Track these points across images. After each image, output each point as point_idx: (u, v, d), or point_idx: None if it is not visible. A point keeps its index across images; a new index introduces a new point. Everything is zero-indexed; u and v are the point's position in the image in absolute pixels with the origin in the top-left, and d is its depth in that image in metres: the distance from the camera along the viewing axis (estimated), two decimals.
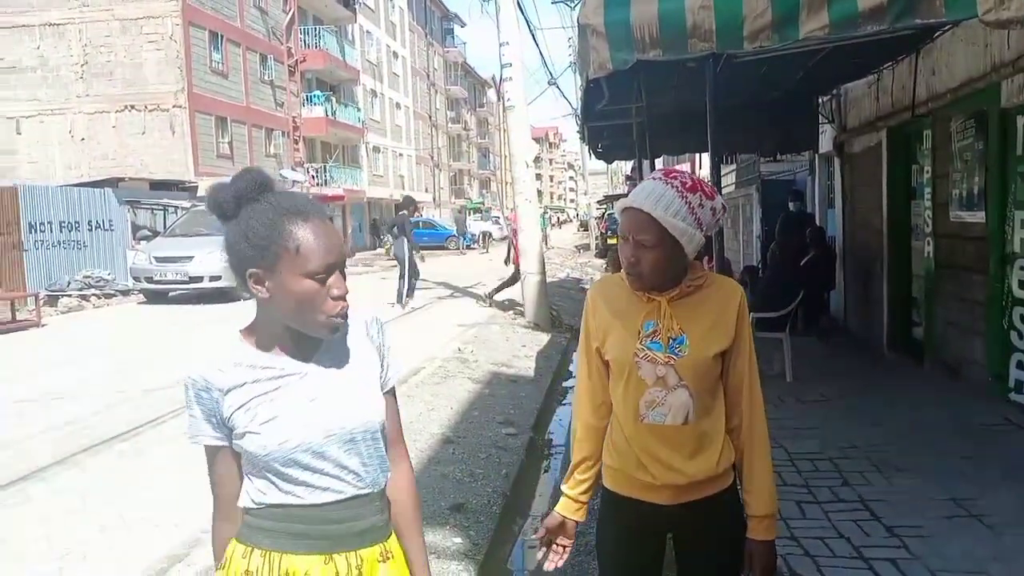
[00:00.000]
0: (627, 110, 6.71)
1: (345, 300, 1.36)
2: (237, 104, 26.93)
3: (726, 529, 1.81)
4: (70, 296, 14.68)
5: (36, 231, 15.21)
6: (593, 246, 29.89)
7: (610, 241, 26.11)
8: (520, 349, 8.93)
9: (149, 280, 14.40)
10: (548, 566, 1.90)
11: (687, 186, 1.70)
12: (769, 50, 3.44)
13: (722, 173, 16.90)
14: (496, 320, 10.89)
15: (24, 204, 15.03)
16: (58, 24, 23.83)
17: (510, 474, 4.78)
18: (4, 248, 14.61)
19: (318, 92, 32.87)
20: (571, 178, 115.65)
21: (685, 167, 18.63)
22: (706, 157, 17.37)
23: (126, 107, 23.75)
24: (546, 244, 22.30)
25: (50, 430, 5.88)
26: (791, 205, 9.69)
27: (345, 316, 1.37)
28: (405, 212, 12.92)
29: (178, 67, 23.73)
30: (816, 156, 10.25)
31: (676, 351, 1.72)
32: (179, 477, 4.30)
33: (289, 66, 30.62)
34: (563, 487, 1.93)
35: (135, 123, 23.83)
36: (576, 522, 1.91)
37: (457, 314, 11.70)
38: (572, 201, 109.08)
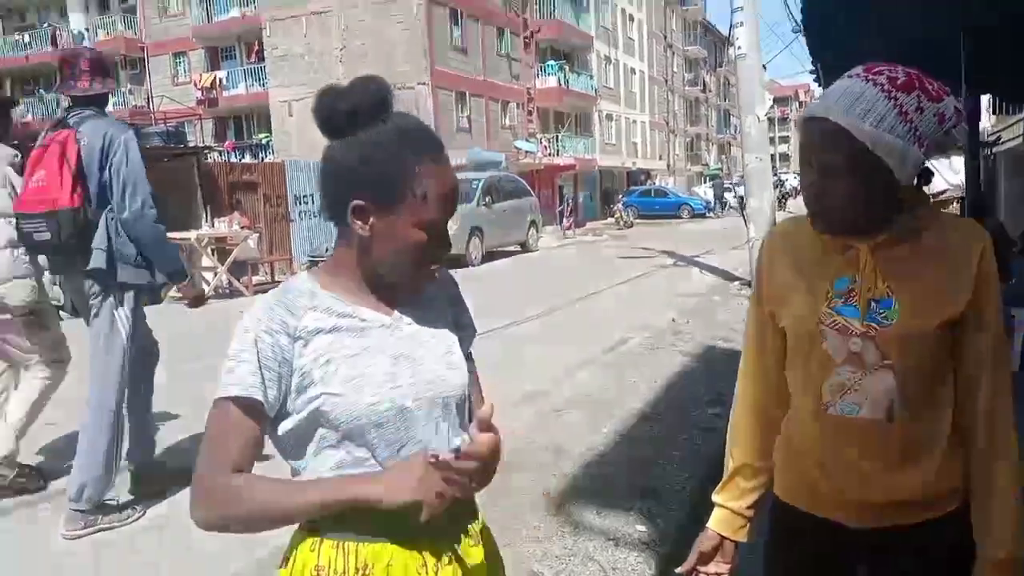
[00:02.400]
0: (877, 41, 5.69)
1: (446, 258, 1.24)
2: (475, 79, 28.00)
3: (942, 571, 1.31)
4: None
5: (300, 203, 16.91)
6: None
7: None
8: (741, 323, 8.20)
9: None
10: None
11: (899, 83, 1.20)
12: None
13: (1006, 123, 14.36)
14: (718, 291, 10.22)
15: (290, 178, 16.76)
16: (321, 13, 26.31)
17: (712, 460, 4.30)
18: (275, 219, 16.42)
19: (552, 62, 33.19)
20: None
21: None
22: (984, 106, 14.81)
23: None
24: (782, 209, 20.62)
25: None
26: None
27: (436, 274, 1.24)
28: None
29: (422, 46, 25.15)
30: None
31: (879, 318, 1.25)
32: None
33: (524, 37, 31.21)
34: (716, 497, 1.51)
35: None
36: (737, 543, 1.49)
37: (676, 284, 11.21)
38: None
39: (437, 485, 1.08)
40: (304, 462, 1.18)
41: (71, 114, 3.34)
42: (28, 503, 3.77)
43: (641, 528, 3.35)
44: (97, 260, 3.21)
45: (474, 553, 1.24)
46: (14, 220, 3.38)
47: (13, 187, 3.58)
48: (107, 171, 3.22)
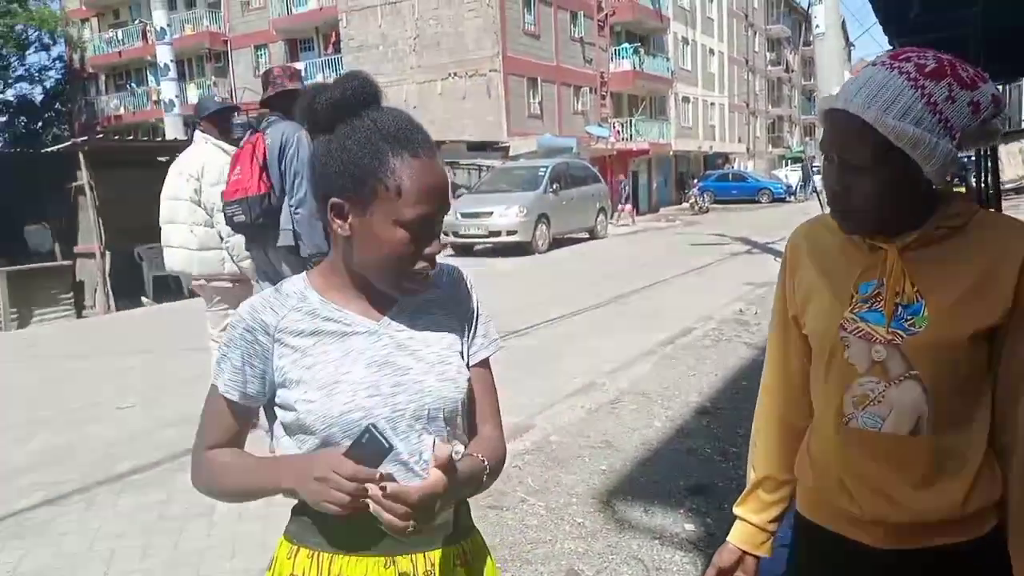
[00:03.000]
0: (961, 18, 5.31)
1: (435, 262, 1.16)
2: (548, 64, 27.83)
3: None
4: None
5: None
6: None
7: (956, 190, 22.31)
8: None
9: (455, 234, 15.43)
10: None
11: (926, 70, 1.09)
12: None
13: None
14: None
15: None
16: (396, 2, 26.62)
17: None
18: None
19: (626, 44, 32.65)
20: None
21: None
22: None
23: (450, 75, 25.85)
24: None
25: None
26: None
27: (428, 278, 1.16)
28: None
29: (494, 32, 25.13)
30: None
31: (906, 325, 1.15)
32: None
33: (599, 21, 30.79)
34: (737, 510, 1.44)
35: (457, 89, 25.86)
36: (758, 558, 1.40)
37: (747, 272, 10.86)
38: None
39: (332, 493, 0.99)
40: (287, 442, 1.18)
41: (264, 121, 4.08)
42: (83, 488, 3.96)
43: (689, 527, 3.25)
44: (286, 239, 3.87)
45: (458, 573, 1.19)
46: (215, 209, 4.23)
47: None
48: (283, 163, 3.85)
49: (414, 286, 1.15)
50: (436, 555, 1.16)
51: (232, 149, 4.33)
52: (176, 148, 12.79)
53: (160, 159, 12.85)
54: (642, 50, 33.00)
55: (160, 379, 6.24)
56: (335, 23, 28.73)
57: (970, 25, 4.95)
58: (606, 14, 30.97)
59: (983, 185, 4.86)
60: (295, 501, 1.15)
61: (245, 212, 3.87)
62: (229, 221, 4.01)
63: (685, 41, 38.45)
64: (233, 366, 1.14)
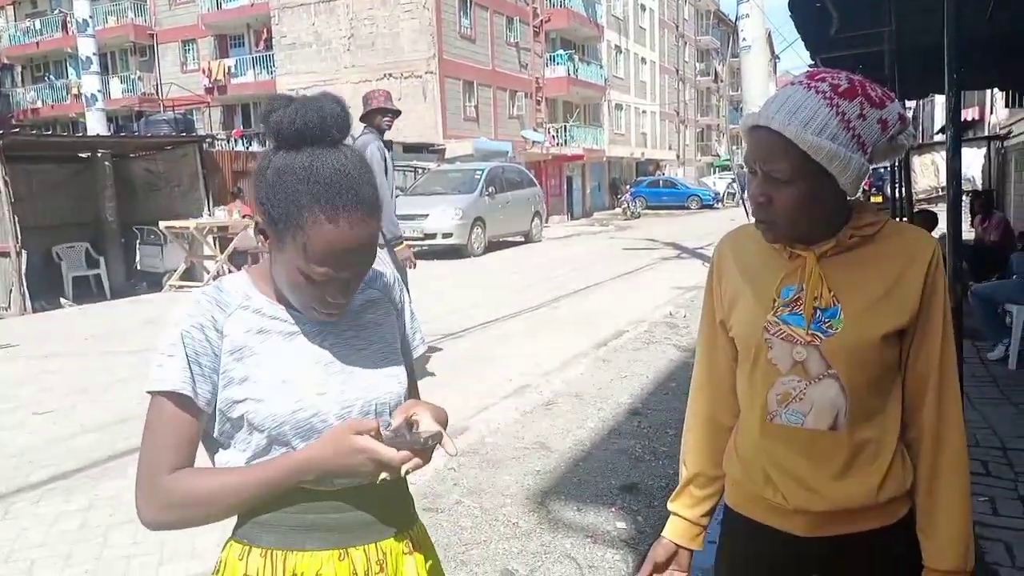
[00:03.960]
0: (877, 37, 5.61)
1: (338, 310, 1.14)
2: (483, 68, 27.87)
3: None
4: None
5: None
6: None
7: (873, 199, 23.40)
8: None
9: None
10: None
11: (840, 90, 1.17)
12: None
13: (1017, 116, 14.15)
14: None
15: None
16: (329, 1, 26.22)
17: None
18: None
19: (561, 51, 33.02)
20: None
21: (969, 113, 15.71)
22: (1000, 97, 14.57)
23: (385, 75, 25.60)
24: None
25: None
26: None
27: (333, 316, 1.16)
28: None
29: (430, 34, 25.04)
30: None
31: (824, 327, 1.23)
32: None
33: (534, 27, 31.03)
34: (671, 506, 1.49)
35: (392, 90, 25.45)
36: (691, 552, 1.47)
37: (677, 276, 11.12)
38: None
39: (383, 451, 1.05)
40: (227, 454, 1.16)
41: (359, 133, 5.32)
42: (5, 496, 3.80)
43: (621, 525, 3.32)
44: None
45: (408, 561, 1.21)
46: None
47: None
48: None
49: (320, 316, 1.15)
50: (387, 544, 1.18)
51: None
52: (100, 144, 12.44)
53: (82, 155, 12.41)
54: (576, 57, 33.42)
55: (80, 383, 6.02)
56: (267, 19, 28.12)
57: (884, 45, 5.24)
58: (541, 20, 31.23)
59: (899, 195, 5.16)
60: None
61: None
62: None
63: (618, 50, 39.13)
64: (180, 365, 1.09)
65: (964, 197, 13.68)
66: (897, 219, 6.26)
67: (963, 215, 14.99)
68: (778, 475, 1.29)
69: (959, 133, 2.51)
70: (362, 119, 5.21)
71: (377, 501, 1.17)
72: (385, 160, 5.33)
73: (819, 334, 1.23)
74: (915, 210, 8.03)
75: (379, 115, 5.41)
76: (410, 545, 1.22)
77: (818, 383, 1.24)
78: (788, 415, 1.27)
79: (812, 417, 1.25)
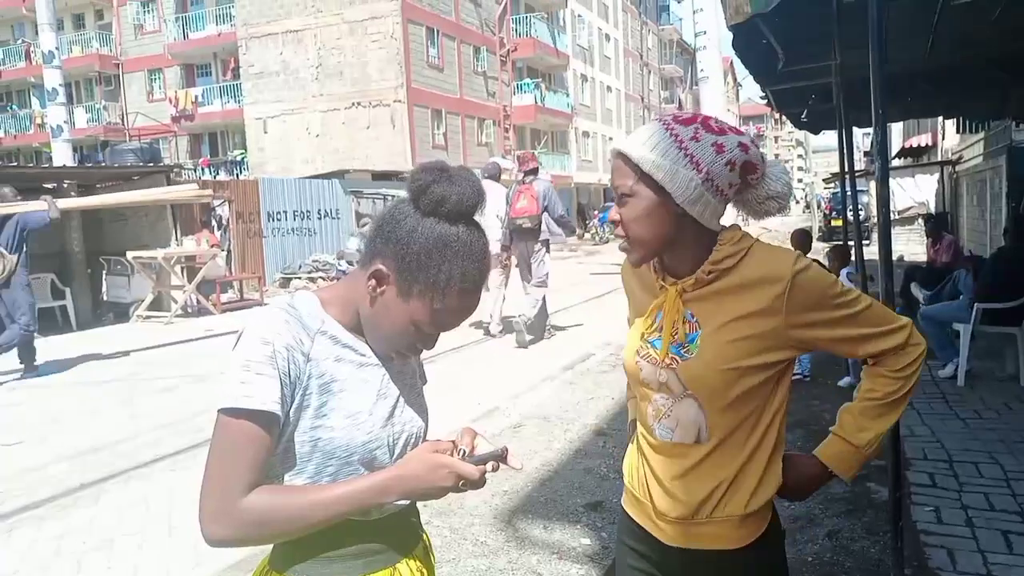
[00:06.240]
0: (826, 69, 5.89)
1: (416, 356, 1.30)
2: (451, 96, 28.17)
3: None
4: (300, 278, 16.21)
5: (273, 220, 16.90)
6: (817, 229, 27.64)
7: (834, 223, 23.88)
8: None
9: (351, 264, 15.44)
10: None
11: (680, 119, 1.32)
12: None
13: (968, 142, 14.73)
14: None
15: (263, 195, 16.76)
16: (297, 31, 26.38)
17: None
18: (247, 235, 16.39)
19: (528, 80, 33.48)
20: (800, 156, 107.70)
21: (923, 139, 16.23)
22: (950, 125, 15.16)
23: (353, 104, 25.76)
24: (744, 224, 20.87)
25: None
26: None
27: (408, 358, 1.29)
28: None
29: (398, 63, 25.28)
30: None
31: (683, 352, 1.34)
32: None
33: (501, 56, 31.48)
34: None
35: (361, 118, 25.79)
36: None
37: None
38: (800, 181, 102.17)
39: (465, 468, 1.15)
40: (294, 474, 1.17)
41: (527, 176, 8.02)
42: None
43: (586, 541, 3.42)
44: (544, 234, 8.00)
45: (430, 561, 1.35)
46: (506, 220, 8.02)
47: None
48: (547, 201, 7.91)
49: (397, 357, 1.25)
50: (419, 551, 1.31)
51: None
52: (66, 175, 12.35)
53: (47, 185, 12.32)
54: (543, 86, 33.93)
55: (50, 413, 5.99)
56: (234, 49, 28.17)
57: (830, 78, 5.51)
58: (508, 50, 31.72)
59: (854, 218, 5.44)
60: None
61: (531, 221, 7.84)
62: (514, 226, 7.91)
63: (584, 78, 39.78)
64: (272, 384, 1.09)
65: (918, 221, 14.11)
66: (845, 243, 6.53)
67: (920, 237, 15.22)
68: (652, 484, 1.42)
69: (886, 163, 2.70)
70: (527, 174, 8.05)
71: (411, 513, 1.30)
72: None
73: (677, 358, 1.34)
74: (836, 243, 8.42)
75: (534, 171, 8.06)
76: (421, 561, 1.33)
77: (680, 401, 1.35)
78: (661, 430, 1.39)
79: (679, 432, 1.36)
